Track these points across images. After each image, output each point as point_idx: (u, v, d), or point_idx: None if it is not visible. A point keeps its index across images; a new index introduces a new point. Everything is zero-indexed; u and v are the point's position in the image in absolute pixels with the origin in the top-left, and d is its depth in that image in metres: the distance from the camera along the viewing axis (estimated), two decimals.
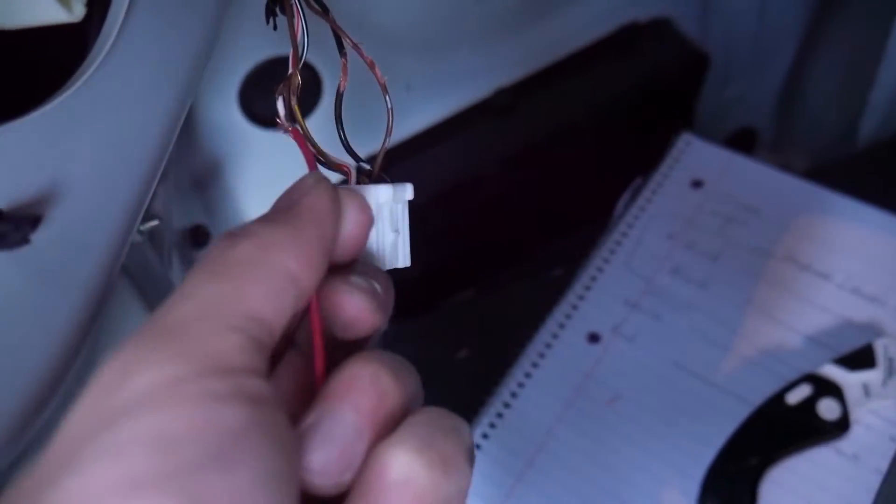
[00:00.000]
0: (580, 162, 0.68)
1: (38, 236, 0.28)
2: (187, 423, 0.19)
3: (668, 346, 0.56)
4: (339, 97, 0.29)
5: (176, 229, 0.55)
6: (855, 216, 0.60)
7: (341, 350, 0.24)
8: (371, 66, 0.29)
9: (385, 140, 0.29)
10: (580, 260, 0.61)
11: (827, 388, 0.51)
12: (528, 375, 0.56)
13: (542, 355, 0.56)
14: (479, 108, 0.65)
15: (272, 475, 0.19)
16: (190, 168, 0.56)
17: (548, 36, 0.65)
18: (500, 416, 0.54)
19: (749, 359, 0.55)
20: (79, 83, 0.29)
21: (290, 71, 0.28)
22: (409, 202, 0.29)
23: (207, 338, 0.20)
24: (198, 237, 0.57)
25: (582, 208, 0.64)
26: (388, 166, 0.29)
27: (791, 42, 0.77)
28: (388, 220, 0.28)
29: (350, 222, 0.25)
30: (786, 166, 0.65)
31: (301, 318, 0.26)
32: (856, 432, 0.51)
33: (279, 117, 0.28)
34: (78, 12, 0.28)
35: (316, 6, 0.29)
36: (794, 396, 0.51)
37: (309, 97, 0.55)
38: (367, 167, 0.29)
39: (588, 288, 0.59)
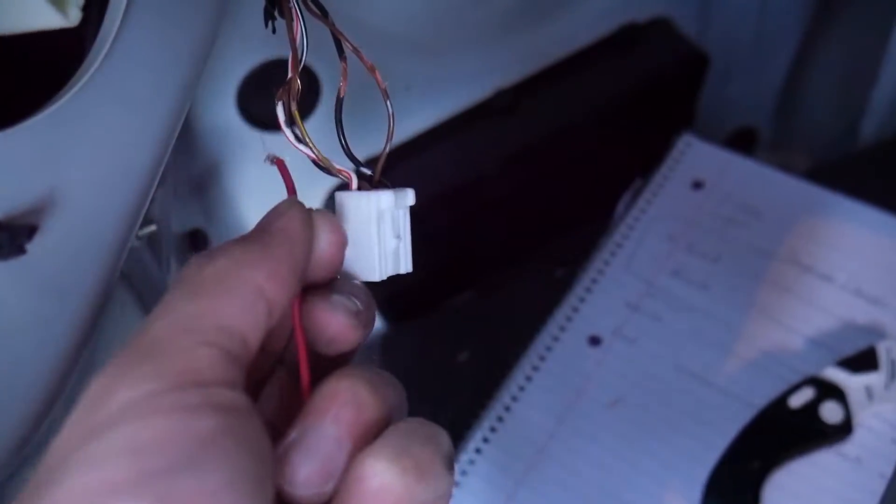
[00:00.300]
0: (580, 162, 0.68)
1: (34, 246, 0.28)
2: (160, 432, 0.21)
3: (669, 349, 0.56)
4: (339, 102, 0.28)
5: (174, 233, 0.55)
6: (857, 218, 0.60)
7: (327, 365, 0.26)
8: (371, 70, 0.28)
9: (386, 146, 0.29)
10: (581, 260, 0.60)
11: (829, 391, 0.51)
12: (528, 378, 0.55)
13: (542, 358, 0.56)
14: (479, 108, 0.64)
15: (243, 478, 0.21)
16: (188, 172, 0.55)
17: (547, 36, 0.65)
18: (500, 419, 0.54)
19: (751, 361, 0.55)
20: (75, 89, 0.28)
21: (290, 75, 0.28)
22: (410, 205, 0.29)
23: (181, 354, 0.22)
24: (196, 241, 0.57)
25: (582, 209, 0.64)
26: (388, 168, 0.29)
27: (791, 42, 0.77)
28: (389, 226, 0.28)
29: (324, 242, 0.26)
30: (786, 166, 0.65)
31: (287, 340, 0.28)
32: (859, 435, 0.50)
33: (280, 123, 0.27)
34: (74, 17, 0.28)
35: (315, 9, 0.28)
36: (797, 399, 0.51)
37: (307, 99, 0.54)
38: (368, 172, 0.29)
39: (589, 290, 0.59)
